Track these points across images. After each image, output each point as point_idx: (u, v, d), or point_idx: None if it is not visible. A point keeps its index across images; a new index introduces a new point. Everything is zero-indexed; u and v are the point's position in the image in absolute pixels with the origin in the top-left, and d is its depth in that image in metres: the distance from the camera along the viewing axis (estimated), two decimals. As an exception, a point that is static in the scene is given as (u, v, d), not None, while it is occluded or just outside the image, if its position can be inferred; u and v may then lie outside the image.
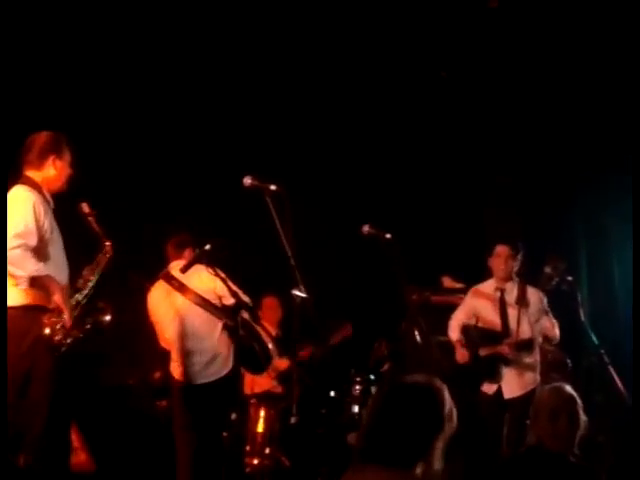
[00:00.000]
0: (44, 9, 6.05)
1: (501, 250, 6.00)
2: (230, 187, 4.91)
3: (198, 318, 5.45)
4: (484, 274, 6.60)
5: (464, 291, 6.97)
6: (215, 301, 5.39)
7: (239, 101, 7.43)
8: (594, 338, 6.03)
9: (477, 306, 6.10)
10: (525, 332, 5.84)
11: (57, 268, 4.14)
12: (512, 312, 5.87)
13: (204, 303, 5.38)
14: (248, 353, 5.43)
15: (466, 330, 6.06)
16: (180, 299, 5.44)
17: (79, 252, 4.40)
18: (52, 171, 4.22)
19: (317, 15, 6.97)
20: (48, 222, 4.12)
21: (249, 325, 5.36)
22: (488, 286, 6.10)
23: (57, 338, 3.99)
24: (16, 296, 4.03)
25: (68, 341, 4.02)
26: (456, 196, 8.34)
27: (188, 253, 5.45)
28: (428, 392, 2.50)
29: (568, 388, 3.72)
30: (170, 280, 5.38)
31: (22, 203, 4.06)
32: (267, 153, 7.22)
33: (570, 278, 6.16)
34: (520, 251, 6.04)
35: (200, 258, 4.87)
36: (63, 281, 4.14)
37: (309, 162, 7.77)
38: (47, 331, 3.97)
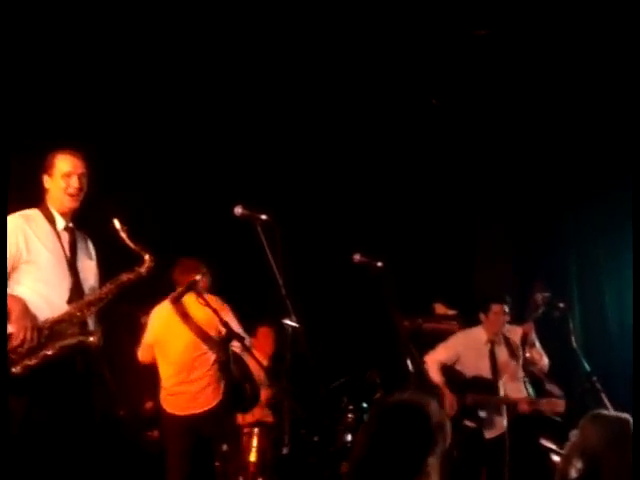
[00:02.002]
0: (41, 14, 6.05)
1: (497, 309, 6.24)
2: (221, 217, 4.92)
3: (193, 348, 5.47)
4: (475, 302, 6.63)
5: (456, 318, 7.00)
6: (213, 333, 5.40)
7: (230, 131, 7.45)
8: (586, 364, 6.02)
9: (462, 352, 6.30)
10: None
11: (50, 288, 4.08)
12: (500, 363, 6.18)
13: (202, 334, 5.39)
14: (237, 391, 5.42)
15: (451, 374, 6.27)
16: (180, 326, 5.45)
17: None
18: (50, 191, 4.22)
19: (307, 43, 7.00)
20: (30, 250, 4.06)
21: (242, 361, 5.36)
22: (478, 336, 6.31)
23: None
24: None
25: (28, 362, 3.87)
26: (448, 223, 8.36)
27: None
28: (414, 409, 2.47)
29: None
30: (176, 308, 5.38)
31: None
32: (258, 183, 7.24)
33: (562, 304, 6.18)
34: (509, 304, 6.32)
35: (190, 288, 4.87)
36: (57, 300, 4.07)
37: (300, 191, 7.78)
38: None
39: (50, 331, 3.98)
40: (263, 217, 4.44)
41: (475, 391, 6.14)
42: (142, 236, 4.26)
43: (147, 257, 4.18)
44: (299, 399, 6.43)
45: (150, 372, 5.81)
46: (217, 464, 5.73)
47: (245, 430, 6.30)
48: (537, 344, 6.29)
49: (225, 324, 5.01)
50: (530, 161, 8.16)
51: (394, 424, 2.45)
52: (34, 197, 4.29)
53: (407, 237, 8.16)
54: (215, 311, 4.95)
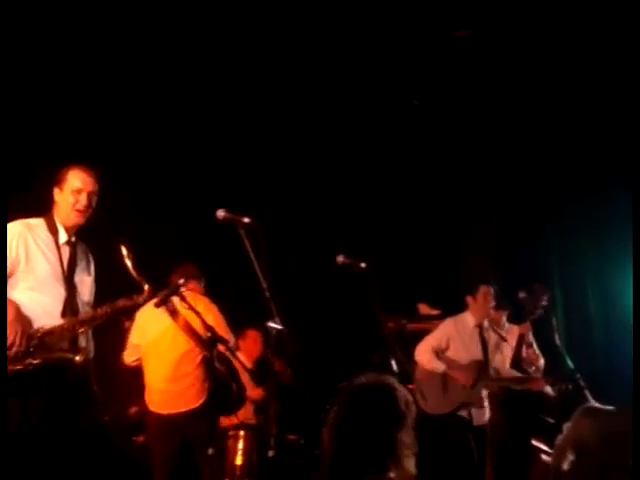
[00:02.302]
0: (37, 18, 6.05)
1: (486, 291, 6.30)
2: (204, 220, 4.90)
3: (181, 345, 5.51)
4: (459, 300, 6.64)
5: (441, 317, 7.01)
6: (200, 335, 5.42)
7: (213, 134, 7.45)
8: (569, 362, 6.07)
9: (452, 337, 6.32)
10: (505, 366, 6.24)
11: (45, 297, 4.12)
12: (491, 346, 6.26)
13: (191, 332, 5.40)
14: (223, 392, 5.44)
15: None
16: (166, 323, 5.45)
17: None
18: (57, 205, 4.27)
19: (288, 45, 7.00)
20: (30, 259, 4.11)
21: (228, 362, 5.38)
22: (467, 321, 6.35)
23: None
24: None
25: (12, 367, 3.89)
26: (432, 224, 8.38)
27: (193, 285, 5.57)
28: (380, 389, 2.48)
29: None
30: (167, 303, 5.39)
31: None
32: (240, 186, 7.24)
33: (545, 303, 6.24)
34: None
35: (173, 292, 4.87)
36: (51, 309, 4.11)
37: (283, 193, 7.78)
38: None
39: (39, 341, 4.01)
40: (246, 220, 4.42)
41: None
42: (125, 238, 4.25)
43: (147, 288, 4.24)
44: (285, 401, 6.45)
45: (135, 377, 5.80)
46: (202, 467, 5.72)
47: (231, 433, 6.30)
48: (534, 345, 6.36)
49: (209, 328, 5.02)
50: (514, 162, 8.20)
51: (363, 404, 2.45)
52: (40, 206, 4.35)
53: (391, 238, 8.17)
54: (199, 314, 4.95)
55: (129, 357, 5.72)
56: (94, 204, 4.29)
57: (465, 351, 6.26)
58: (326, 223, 7.90)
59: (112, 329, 5.70)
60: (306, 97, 7.52)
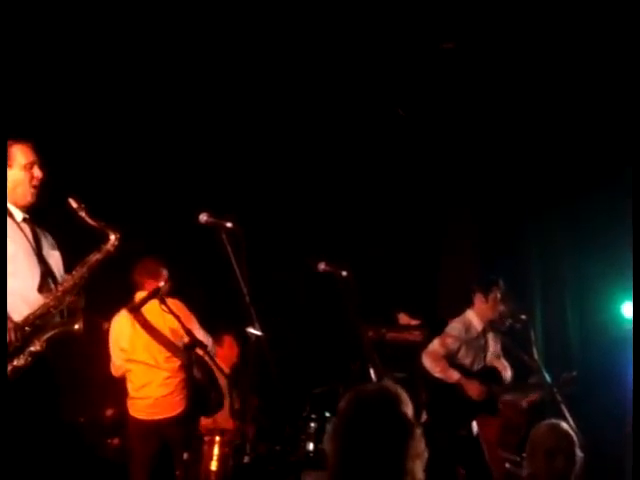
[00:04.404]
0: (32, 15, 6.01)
1: (498, 291, 6.02)
2: (185, 224, 4.90)
3: (157, 351, 5.47)
4: (439, 311, 6.64)
5: (420, 327, 6.99)
6: (175, 339, 5.38)
7: (196, 138, 7.44)
8: (547, 376, 6.08)
9: (463, 342, 6.04)
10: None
11: (20, 281, 3.93)
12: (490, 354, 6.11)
13: (164, 340, 5.37)
14: (201, 396, 5.42)
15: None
16: (141, 331, 5.43)
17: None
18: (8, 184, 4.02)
19: (274, 52, 7.01)
20: None
21: (206, 366, 5.35)
22: (475, 325, 6.07)
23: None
24: None
25: (16, 363, 3.76)
26: (412, 234, 8.40)
27: (150, 283, 5.42)
28: (387, 398, 2.40)
29: (564, 426, 3.70)
30: (136, 315, 5.34)
31: None
32: (222, 190, 7.22)
33: (524, 317, 6.24)
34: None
35: (153, 296, 4.85)
36: (29, 291, 3.94)
37: (264, 199, 7.77)
38: None
39: (32, 327, 3.85)
40: (228, 225, 4.42)
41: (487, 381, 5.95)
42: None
43: (112, 234, 4.05)
44: (262, 408, 6.44)
45: (110, 379, 5.78)
46: (177, 472, 5.69)
47: (206, 438, 6.27)
48: (501, 356, 6.28)
49: (188, 331, 5.00)
50: (494, 170, 8.24)
51: (369, 416, 2.36)
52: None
53: (371, 247, 8.18)
54: (178, 318, 4.94)
55: (117, 372, 5.66)
56: None
57: (474, 358, 6.03)
58: (307, 230, 7.89)
59: (89, 330, 5.68)
60: (291, 105, 7.53)
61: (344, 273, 4.98)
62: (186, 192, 7.11)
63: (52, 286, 4.00)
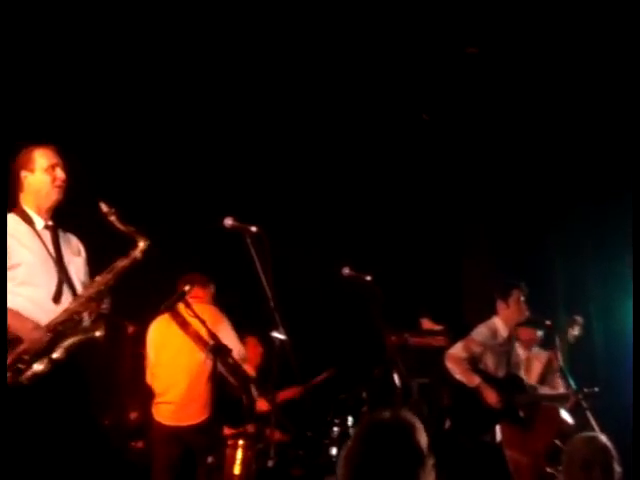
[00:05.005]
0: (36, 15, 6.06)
1: (518, 294, 5.93)
2: (211, 228, 4.92)
3: (190, 358, 5.48)
4: (464, 315, 6.61)
5: (443, 333, 6.97)
6: (203, 345, 5.40)
7: (221, 143, 7.46)
8: (572, 382, 6.03)
9: (487, 347, 5.94)
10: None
11: (37, 289, 3.92)
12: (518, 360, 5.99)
13: (202, 344, 5.39)
14: (233, 404, 5.42)
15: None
16: (175, 334, 5.45)
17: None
18: (29, 188, 4.04)
19: (298, 56, 7.02)
20: (12, 254, 3.88)
21: (240, 373, 5.34)
22: (500, 331, 5.97)
23: (12, 372, 3.68)
24: None
25: (37, 368, 3.72)
26: (434, 239, 8.38)
27: (195, 292, 5.47)
28: (401, 427, 2.39)
29: (602, 438, 3.65)
30: (175, 315, 5.36)
31: None
32: (248, 195, 7.25)
33: (548, 322, 6.19)
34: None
35: (179, 299, 4.86)
36: (44, 300, 3.91)
37: (290, 204, 7.79)
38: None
39: (54, 333, 3.81)
40: (253, 229, 4.43)
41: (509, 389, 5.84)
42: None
43: (141, 241, 4.01)
44: (285, 412, 6.44)
45: (135, 383, 5.80)
46: (200, 476, 5.71)
47: (230, 442, 6.27)
48: (558, 374, 6.16)
49: (213, 336, 5.00)
50: (517, 176, 8.21)
51: (382, 442, 2.36)
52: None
53: (395, 252, 8.17)
54: (204, 322, 4.95)
55: (151, 376, 5.67)
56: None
57: (498, 364, 5.93)
58: (332, 235, 7.90)
59: (114, 334, 5.72)
60: (315, 109, 7.54)
61: (368, 278, 4.98)
62: (211, 197, 7.14)
63: (70, 294, 3.96)
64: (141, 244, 4.01)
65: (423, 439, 2.40)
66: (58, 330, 3.82)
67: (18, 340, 3.75)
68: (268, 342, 4.85)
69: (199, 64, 6.90)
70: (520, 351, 6.19)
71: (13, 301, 3.82)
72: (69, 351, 3.81)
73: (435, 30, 6.79)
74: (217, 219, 4.51)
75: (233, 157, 7.54)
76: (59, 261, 4.00)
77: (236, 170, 7.57)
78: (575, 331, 6.04)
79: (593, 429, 5.40)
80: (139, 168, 7.03)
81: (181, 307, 5.16)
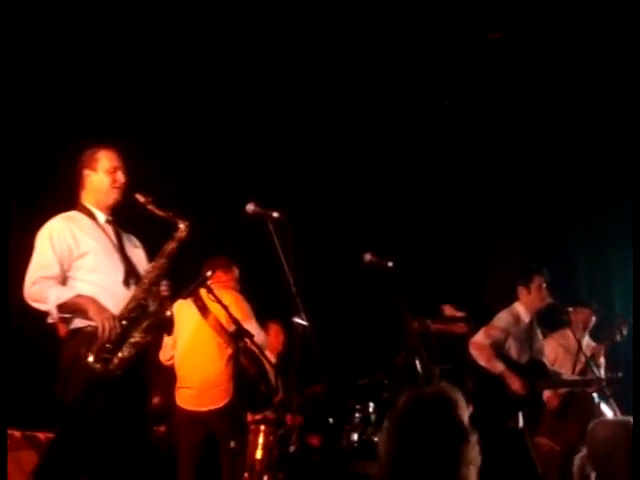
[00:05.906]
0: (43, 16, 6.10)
1: (540, 281, 5.86)
2: (233, 214, 4.93)
3: (210, 343, 5.51)
4: (484, 303, 6.58)
5: (465, 320, 6.94)
6: (224, 331, 5.42)
7: (244, 129, 7.47)
8: (595, 370, 6.01)
9: (511, 333, 5.87)
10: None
11: (104, 275, 4.06)
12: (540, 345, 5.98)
13: (220, 328, 5.41)
14: (251, 390, 5.43)
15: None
16: (196, 318, 5.48)
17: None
18: (91, 186, 4.19)
19: (320, 42, 7.01)
20: (79, 244, 4.05)
21: (258, 360, 5.36)
22: (522, 316, 5.90)
23: (101, 363, 3.80)
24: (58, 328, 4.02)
25: (121, 355, 3.84)
26: (459, 226, 8.36)
27: (218, 276, 5.52)
28: (446, 403, 2.36)
29: (626, 422, 3.54)
30: (196, 299, 5.40)
31: (39, 238, 4.06)
32: (270, 180, 7.26)
33: (571, 309, 6.16)
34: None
35: (200, 284, 4.87)
36: (114, 287, 4.04)
37: (312, 190, 7.80)
38: (90, 358, 3.80)
39: (128, 320, 3.95)
40: (275, 215, 4.44)
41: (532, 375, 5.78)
42: (155, 235, 4.25)
43: (181, 222, 4.17)
44: (307, 398, 6.45)
45: (157, 368, 5.82)
46: (224, 461, 5.74)
47: (251, 427, 6.30)
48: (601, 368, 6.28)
49: (235, 321, 5.01)
50: (541, 166, 8.16)
51: (427, 419, 2.32)
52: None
53: (417, 238, 8.16)
54: (225, 307, 4.96)
55: (164, 356, 5.70)
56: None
57: (520, 350, 5.86)
58: (354, 221, 7.90)
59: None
60: (338, 96, 7.53)
61: (390, 264, 4.98)
62: (234, 182, 7.15)
63: (134, 282, 4.10)
64: (182, 225, 4.18)
65: (466, 414, 2.37)
66: (131, 317, 3.97)
67: (96, 331, 3.86)
68: (290, 328, 4.84)
69: (222, 51, 6.92)
70: (577, 334, 6.25)
71: (85, 288, 3.98)
72: (146, 333, 3.95)
73: (457, 16, 6.76)
74: (240, 205, 4.52)
75: (256, 143, 7.55)
76: (122, 250, 4.17)
77: (259, 156, 7.58)
78: (624, 331, 6.09)
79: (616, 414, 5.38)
80: (161, 156, 7.05)
81: (202, 292, 5.18)
